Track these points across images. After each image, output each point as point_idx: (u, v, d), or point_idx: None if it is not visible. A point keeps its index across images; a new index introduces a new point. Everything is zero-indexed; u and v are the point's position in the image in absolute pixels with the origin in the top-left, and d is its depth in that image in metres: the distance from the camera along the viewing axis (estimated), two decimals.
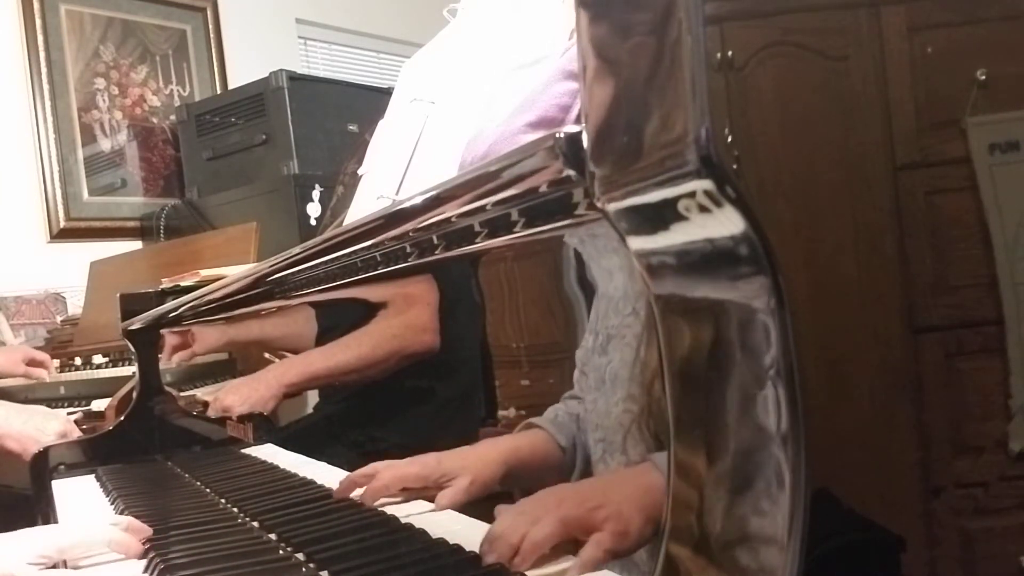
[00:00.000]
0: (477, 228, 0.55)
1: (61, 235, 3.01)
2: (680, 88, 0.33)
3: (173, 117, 3.25)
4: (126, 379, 2.05)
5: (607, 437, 0.56)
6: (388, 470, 0.86)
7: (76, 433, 1.67)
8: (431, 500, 0.79)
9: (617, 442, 0.55)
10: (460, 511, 0.75)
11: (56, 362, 2.29)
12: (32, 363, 2.20)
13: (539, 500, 0.63)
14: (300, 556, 0.75)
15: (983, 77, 0.48)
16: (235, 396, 1.34)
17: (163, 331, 1.57)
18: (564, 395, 0.62)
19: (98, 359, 2.30)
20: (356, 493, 0.87)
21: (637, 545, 0.54)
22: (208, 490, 1.14)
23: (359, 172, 1.19)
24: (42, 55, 3.01)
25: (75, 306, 2.79)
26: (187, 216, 2.93)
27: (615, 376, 0.54)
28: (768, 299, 0.33)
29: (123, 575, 0.83)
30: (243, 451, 1.33)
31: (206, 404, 1.49)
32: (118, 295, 1.63)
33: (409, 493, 0.84)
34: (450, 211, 0.55)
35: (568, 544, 0.58)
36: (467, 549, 0.66)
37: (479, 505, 0.73)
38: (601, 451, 0.57)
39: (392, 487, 0.85)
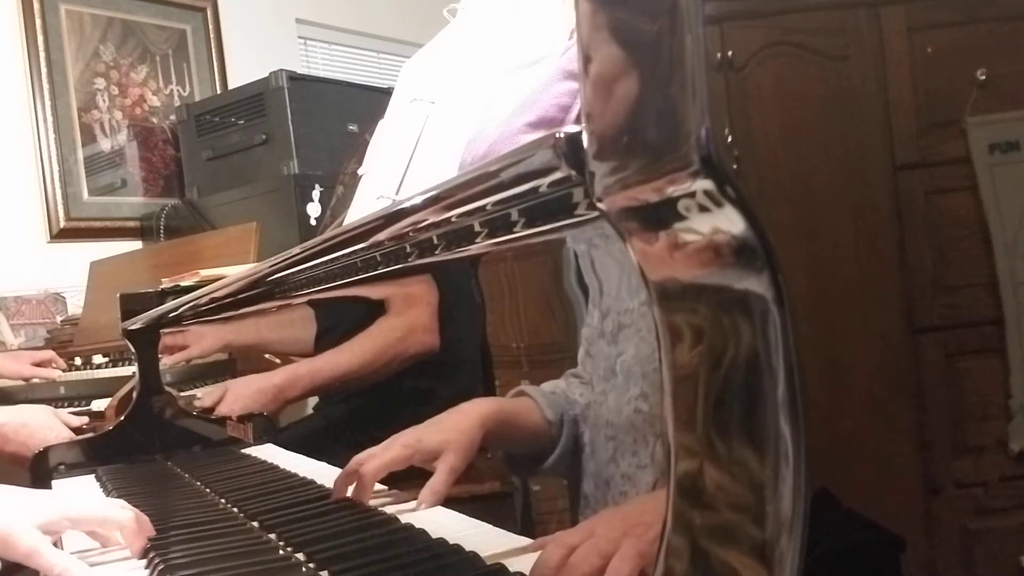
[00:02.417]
0: (477, 228, 0.55)
1: (61, 235, 3.01)
2: (680, 88, 0.33)
3: (173, 117, 3.25)
4: (126, 379, 2.05)
5: (618, 436, 0.55)
6: (370, 462, 0.86)
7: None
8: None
9: (628, 443, 0.54)
10: (461, 511, 0.75)
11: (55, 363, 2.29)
12: (40, 364, 2.20)
13: (606, 528, 0.57)
14: (300, 556, 0.75)
15: (983, 77, 0.48)
16: (236, 406, 1.35)
17: (163, 331, 1.57)
18: (567, 372, 0.61)
19: (98, 359, 2.29)
20: (349, 490, 0.87)
21: None
22: (208, 490, 1.14)
23: (359, 172, 1.19)
24: (42, 55, 3.01)
25: (75, 306, 2.79)
26: (187, 216, 2.93)
27: (627, 372, 0.53)
28: (768, 299, 0.33)
29: (123, 575, 0.83)
30: (243, 451, 1.33)
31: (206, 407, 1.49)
32: (118, 295, 1.63)
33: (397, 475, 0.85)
34: (450, 211, 0.55)
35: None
36: (467, 549, 0.66)
37: (479, 505, 0.73)
38: (612, 450, 0.57)
39: (378, 476, 0.86)
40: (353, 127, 2.71)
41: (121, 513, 0.87)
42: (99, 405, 2.09)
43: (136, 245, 3.12)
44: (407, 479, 0.82)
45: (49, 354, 2.26)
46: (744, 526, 0.34)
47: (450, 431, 0.77)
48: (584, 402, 0.60)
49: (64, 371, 2.26)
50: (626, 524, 0.56)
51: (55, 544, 0.85)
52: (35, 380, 2.23)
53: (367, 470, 0.86)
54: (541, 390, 0.64)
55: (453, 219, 0.56)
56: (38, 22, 3.01)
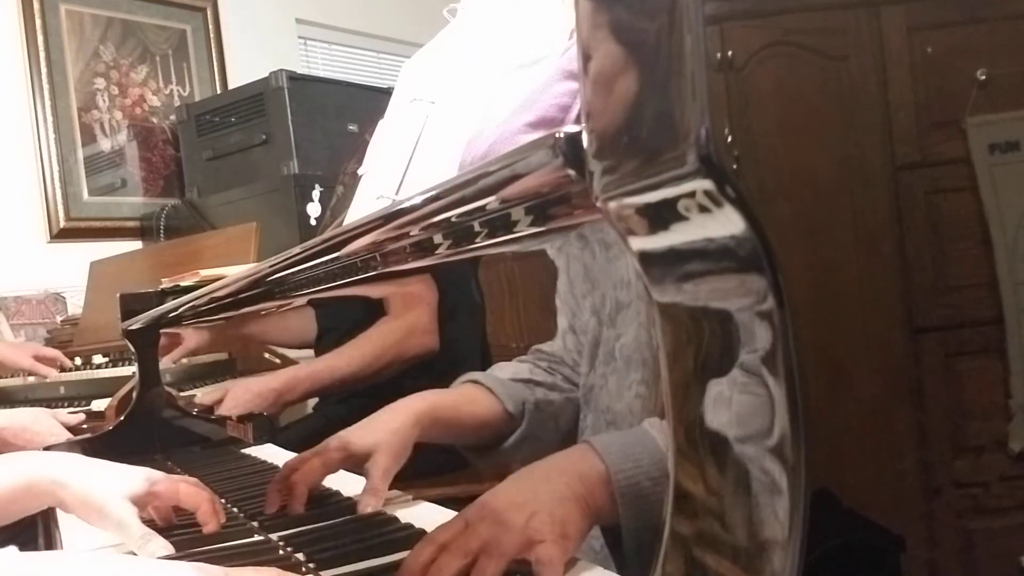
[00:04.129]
0: (477, 228, 0.55)
1: (61, 235, 3.01)
2: (680, 88, 0.33)
3: (173, 117, 3.25)
4: (126, 379, 2.04)
5: (617, 421, 0.55)
6: (302, 469, 0.87)
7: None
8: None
9: (627, 427, 0.54)
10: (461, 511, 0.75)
11: (58, 364, 2.28)
12: (42, 360, 2.20)
13: (476, 520, 0.58)
14: (300, 556, 0.75)
15: (983, 77, 0.48)
16: (235, 410, 1.35)
17: (162, 331, 1.57)
18: (533, 348, 0.61)
19: (98, 359, 2.29)
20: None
21: (582, 538, 0.54)
22: None
23: (359, 172, 1.19)
24: (42, 55, 3.01)
25: (75, 306, 2.79)
26: (187, 216, 2.93)
27: (628, 357, 0.53)
28: (768, 299, 0.33)
29: None
30: (243, 451, 1.33)
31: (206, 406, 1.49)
32: (118, 295, 1.63)
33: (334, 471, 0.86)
34: (450, 211, 0.55)
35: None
36: None
37: None
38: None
39: (310, 484, 0.87)
40: (353, 127, 2.71)
41: (201, 491, 0.90)
42: (99, 405, 2.09)
43: (136, 245, 3.11)
44: (409, 479, 0.82)
45: (55, 352, 2.26)
46: (744, 528, 0.34)
47: (380, 432, 0.77)
48: (548, 383, 0.60)
49: (67, 370, 2.25)
50: (497, 511, 0.56)
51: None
52: (30, 379, 2.23)
53: (298, 479, 0.87)
54: (499, 379, 0.63)
55: (453, 219, 0.56)
56: (38, 22, 3.01)
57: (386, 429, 0.77)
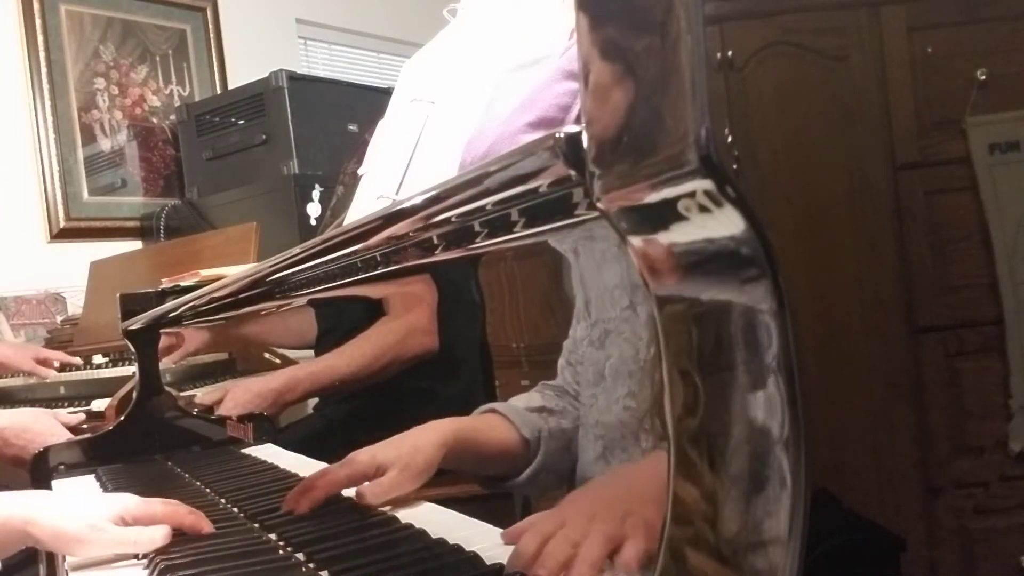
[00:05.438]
0: (477, 228, 0.55)
1: (61, 235, 3.01)
2: (680, 88, 0.33)
3: (173, 117, 3.25)
4: (126, 379, 2.05)
5: (607, 434, 0.56)
6: (324, 478, 0.88)
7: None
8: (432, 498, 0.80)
9: (617, 439, 0.55)
10: (462, 511, 0.75)
11: (57, 363, 2.28)
12: (43, 363, 2.20)
13: (574, 514, 0.59)
14: (300, 556, 0.75)
15: (983, 77, 0.48)
16: (235, 410, 1.35)
17: (163, 331, 1.57)
18: (540, 383, 0.61)
19: (98, 359, 2.29)
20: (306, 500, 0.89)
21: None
22: (208, 490, 1.14)
23: (359, 172, 1.19)
24: (42, 55, 3.01)
25: (75, 306, 2.79)
26: (187, 216, 2.93)
27: (616, 373, 0.54)
28: (768, 299, 0.33)
29: (123, 575, 0.83)
30: (243, 451, 1.33)
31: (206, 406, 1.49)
32: (118, 295, 1.63)
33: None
34: (450, 211, 0.55)
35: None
36: (467, 549, 0.66)
37: (479, 505, 0.73)
38: (601, 448, 0.57)
39: (332, 493, 0.87)
40: (353, 127, 2.71)
41: (177, 509, 0.90)
42: (99, 405, 2.09)
43: (136, 245, 3.11)
44: None
45: (58, 354, 2.25)
46: (744, 528, 0.34)
47: (407, 448, 0.78)
48: (560, 409, 0.60)
49: (68, 369, 2.25)
50: (593, 507, 0.57)
51: None
52: (31, 379, 2.23)
53: (321, 484, 0.87)
54: (516, 408, 0.64)
55: (453, 219, 0.56)
56: (38, 22, 3.01)
57: (413, 446, 0.78)
